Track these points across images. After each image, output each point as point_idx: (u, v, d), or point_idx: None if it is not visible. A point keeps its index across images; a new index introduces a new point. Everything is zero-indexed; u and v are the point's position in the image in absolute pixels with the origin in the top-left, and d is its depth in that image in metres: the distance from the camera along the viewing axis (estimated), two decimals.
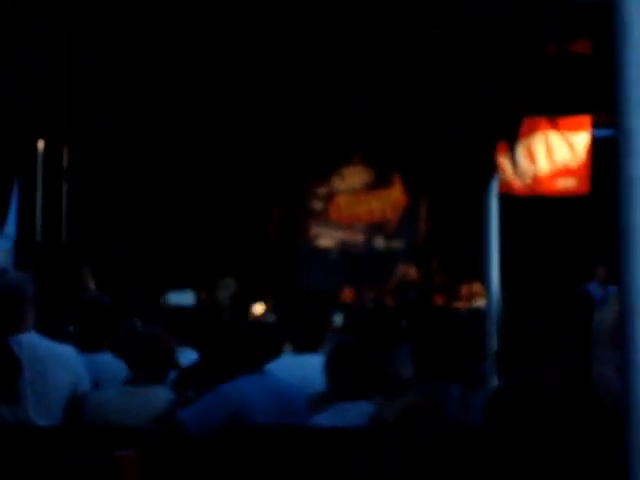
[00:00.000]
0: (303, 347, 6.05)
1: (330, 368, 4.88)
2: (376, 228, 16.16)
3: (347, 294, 13.86)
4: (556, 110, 10.10)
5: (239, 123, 14.55)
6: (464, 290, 13.14)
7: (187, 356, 6.01)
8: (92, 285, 12.32)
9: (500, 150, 7.69)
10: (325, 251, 16.18)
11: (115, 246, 14.67)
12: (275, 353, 5.93)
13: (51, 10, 10.74)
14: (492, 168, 6.20)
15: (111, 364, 5.29)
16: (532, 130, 9.87)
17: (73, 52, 12.08)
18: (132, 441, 3.96)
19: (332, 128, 14.83)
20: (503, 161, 8.75)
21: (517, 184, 9.76)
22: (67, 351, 4.86)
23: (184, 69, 13.02)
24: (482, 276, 11.41)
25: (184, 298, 11.69)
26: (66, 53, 12.09)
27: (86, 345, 5.34)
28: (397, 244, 16.04)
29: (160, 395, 4.82)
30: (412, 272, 14.43)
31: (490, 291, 5.59)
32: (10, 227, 12.49)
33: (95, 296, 6.83)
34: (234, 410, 4.64)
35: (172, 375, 5.29)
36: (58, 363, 4.74)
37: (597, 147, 10.28)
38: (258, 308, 9.48)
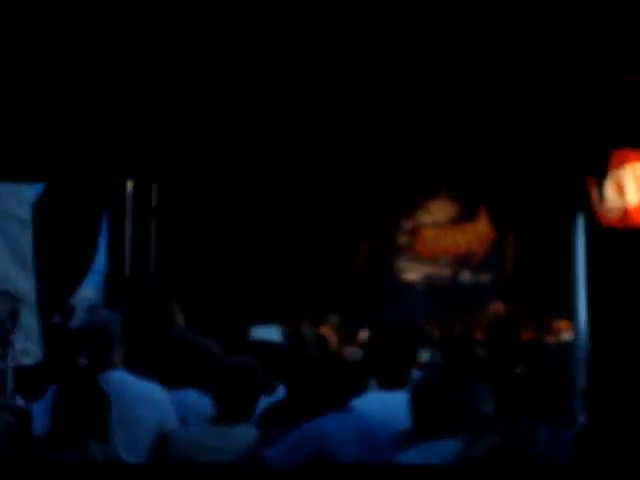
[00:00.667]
0: (389, 383, 6.02)
1: (415, 405, 4.84)
2: (462, 262, 16.05)
3: (434, 329, 13.77)
4: None
5: (323, 159, 14.62)
6: (553, 324, 12.95)
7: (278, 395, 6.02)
8: (181, 320, 12.41)
9: (589, 183, 7.62)
10: (411, 285, 16.11)
11: (203, 281, 14.79)
12: (360, 389, 5.90)
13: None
14: (580, 201, 6.13)
15: (197, 401, 5.32)
16: (621, 163, 9.77)
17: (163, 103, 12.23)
18: (217, 479, 3.97)
19: (418, 162, 14.81)
20: (593, 194, 8.66)
21: (607, 217, 9.66)
22: (155, 389, 4.91)
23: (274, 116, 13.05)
24: (570, 310, 11.30)
25: (270, 333, 11.70)
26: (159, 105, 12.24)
27: (173, 382, 5.37)
28: (484, 278, 15.91)
29: (245, 433, 4.82)
30: (500, 307, 14.28)
31: (578, 326, 5.50)
32: (100, 263, 12.68)
33: (179, 333, 6.89)
34: (319, 448, 4.62)
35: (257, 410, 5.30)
36: (146, 401, 4.80)
37: None
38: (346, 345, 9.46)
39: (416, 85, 12.23)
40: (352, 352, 8.81)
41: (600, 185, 8.21)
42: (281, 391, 6.06)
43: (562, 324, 12.68)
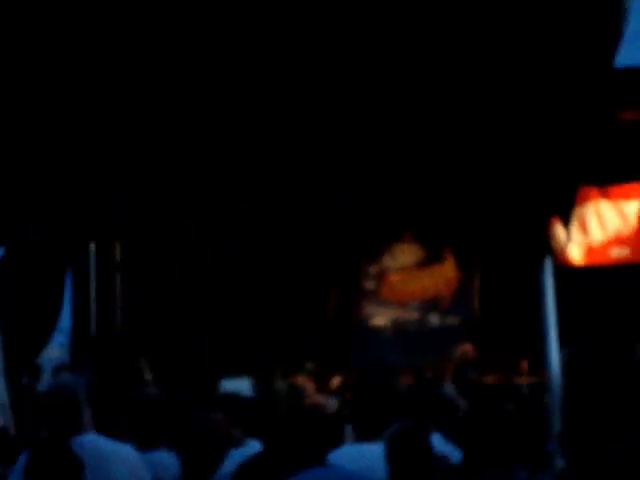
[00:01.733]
0: (367, 433, 5.96)
1: (392, 456, 4.79)
2: (430, 305, 16.03)
3: (405, 375, 13.70)
4: (606, 180, 10.03)
5: (288, 208, 14.60)
6: (523, 365, 12.94)
7: (252, 448, 5.94)
8: (149, 377, 12.31)
9: (553, 222, 7.64)
10: (379, 330, 16.06)
11: (170, 336, 14.68)
12: (337, 441, 5.84)
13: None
14: (546, 241, 6.12)
15: (169, 461, 5.25)
16: (583, 200, 9.82)
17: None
18: None
19: (381, 207, 14.81)
20: (557, 233, 8.69)
21: (571, 255, 9.69)
22: (128, 450, 4.84)
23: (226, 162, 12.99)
24: (541, 350, 11.29)
25: (240, 386, 11.63)
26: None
27: (142, 443, 5.30)
28: (452, 320, 15.90)
29: None
30: (468, 348, 14.23)
31: (550, 366, 5.46)
32: (65, 322, 12.58)
33: (149, 394, 6.83)
34: None
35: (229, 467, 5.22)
36: (120, 462, 4.73)
37: None
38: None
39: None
40: (329, 402, 8.75)
41: (564, 223, 8.24)
42: (253, 446, 5.99)
43: (532, 366, 12.68)
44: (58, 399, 4.67)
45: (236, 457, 5.45)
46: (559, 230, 7.89)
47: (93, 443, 4.69)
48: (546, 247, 5.70)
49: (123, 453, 4.77)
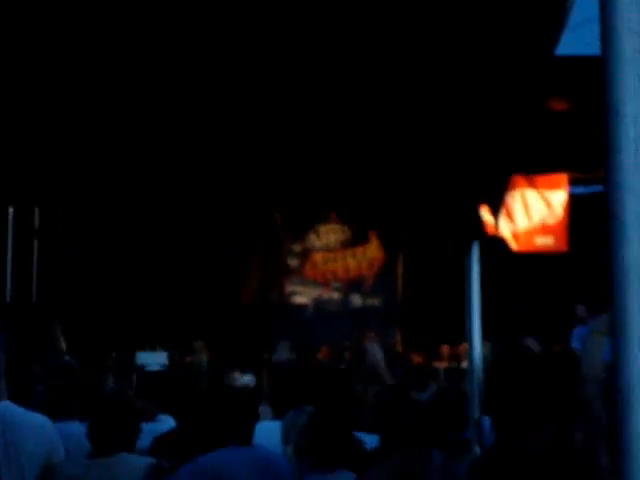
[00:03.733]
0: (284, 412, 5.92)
1: (305, 440, 4.71)
2: (353, 285, 16.04)
3: (324, 353, 13.68)
4: (533, 168, 10.07)
5: (214, 177, 14.44)
6: (443, 350, 12.99)
7: (166, 423, 5.85)
8: (63, 345, 12.12)
9: (482, 209, 7.61)
10: (301, 308, 16.04)
11: (85, 305, 14.47)
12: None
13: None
14: (474, 226, 6.09)
15: (81, 432, 5.12)
16: (510, 188, 9.84)
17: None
18: None
19: (308, 186, 14.74)
20: (485, 220, 8.70)
21: (498, 242, 9.74)
22: (42, 420, 4.70)
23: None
24: (461, 335, 11.32)
25: (156, 358, 11.50)
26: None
27: (56, 413, 5.17)
28: (374, 302, 15.92)
29: (128, 463, 4.59)
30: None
31: (473, 352, 5.41)
32: None
33: (64, 363, 6.69)
34: None
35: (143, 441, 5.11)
36: (33, 432, 4.58)
37: (575, 204, 10.28)
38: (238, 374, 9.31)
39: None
40: (246, 379, 8.68)
41: (493, 211, 8.23)
42: (166, 420, 5.90)
43: (452, 350, 12.73)
44: None
45: (150, 431, 5.36)
46: (487, 217, 7.88)
47: (7, 411, 4.56)
48: (473, 233, 5.66)
49: (37, 422, 4.64)
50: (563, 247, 10.16)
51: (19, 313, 13.71)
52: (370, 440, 5.14)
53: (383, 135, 11.98)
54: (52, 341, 11.92)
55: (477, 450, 5.11)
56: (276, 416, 6.06)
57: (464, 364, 10.00)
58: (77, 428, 5.19)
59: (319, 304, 16.00)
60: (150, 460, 4.58)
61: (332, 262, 16.06)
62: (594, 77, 1.99)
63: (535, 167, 10.13)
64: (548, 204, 10.11)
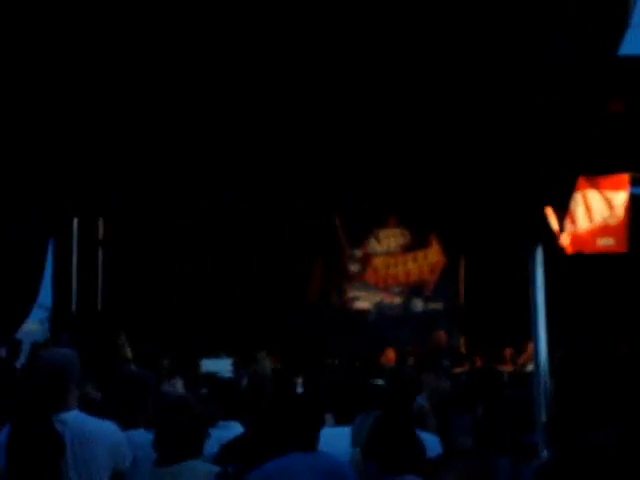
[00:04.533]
0: (346, 418, 5.92)
1: (372, 444, 4.70)
2: (414, 290, 15.99)
3: (388, 357, 13.66)
4: (595, 169, 10.00)
5: (272, 188, 14.51)
6: (508, 353, 12.91)
7: (228, 429, 5.88)
8: (129, 354, 12.24)
9: (547, 212, 7.57)
10: (363, 314, 16.02)
11: (150, 314, 14.59)
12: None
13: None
14: (537, 229, 6.05)
15: (146, 441, 5.16)
16: (573, 190, 9.79)
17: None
18: None
19: (368, 191, 14.75)
20: (550, 222, 8.66)
21: (562, 244, 9.70)
22: (110, 428, 4.75)
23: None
24: (525, 338, 11.22)
25: (221, 365, 11.57)
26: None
27: (123, 421, 5.22)
28: (436, 306, 15.85)
29: (195, 470, 4.63)
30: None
31: (538, 356, 5.37)
32: (45, 297, 12.48)
33: (133, 373, 6.72)
34: None
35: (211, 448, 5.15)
36: (103, 441, 4.64)
37: (636, 204, 10.19)
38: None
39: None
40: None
41: (558, 213, 8.20)
42: (234, 426, 5.94)
43: (517, 354, 12.65)
44: (52, 373, 4.56)
45: (216, 438, 5.40)
46: (552, 219, 7.84)
47: (77, 421, 4.61)
48: (537, 235, 5.62)
49: (106, 431, 4.69)
50: (623, 247, 10.09)
51: (85, 323, 13.85)
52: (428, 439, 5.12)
53: (446, 138, 11.97)
54: (118, 350, 12.05)
55: (545, 454, 5.08)
56: (338, 422, 6.07)
57: (529, 367, 9.93)
58: (143, 436, 5.23)
59: (380, 309, 15.97)
60: (216, 469, 4.63)
61: (393, 267, 16.02)
62: None
63: (597, 168, 10.07)
64: (610, 205, 10.03)
